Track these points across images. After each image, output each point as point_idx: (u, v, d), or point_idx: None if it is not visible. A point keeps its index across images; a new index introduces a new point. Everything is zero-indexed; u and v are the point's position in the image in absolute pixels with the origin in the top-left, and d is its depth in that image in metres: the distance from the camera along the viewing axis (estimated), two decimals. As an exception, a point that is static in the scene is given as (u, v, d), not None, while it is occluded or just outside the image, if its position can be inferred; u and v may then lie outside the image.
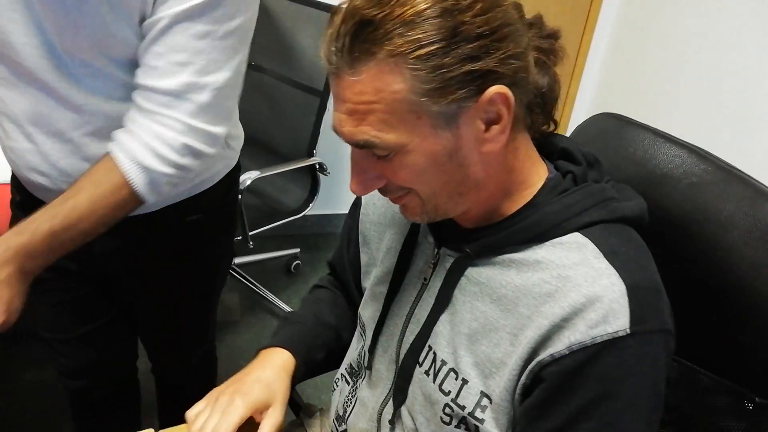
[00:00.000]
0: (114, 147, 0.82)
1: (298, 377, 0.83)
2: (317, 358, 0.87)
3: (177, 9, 0.76)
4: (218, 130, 0.85)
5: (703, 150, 0.70)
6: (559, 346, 0.57)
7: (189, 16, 0.77)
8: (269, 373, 0.79)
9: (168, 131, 0.81)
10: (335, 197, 2.45)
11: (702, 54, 2.10)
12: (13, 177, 1.03)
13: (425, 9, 0.53)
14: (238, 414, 0.73)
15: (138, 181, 0.81)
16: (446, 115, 0.57)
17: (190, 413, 0.76)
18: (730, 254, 0.62)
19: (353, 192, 0.65)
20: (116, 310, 1.16)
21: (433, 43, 0.53)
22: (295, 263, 2.45)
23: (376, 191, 0.65)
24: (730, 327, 0.65)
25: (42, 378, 1.74)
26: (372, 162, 0.61)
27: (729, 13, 1.99)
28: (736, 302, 0.63)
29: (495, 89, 0.56)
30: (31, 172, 0.92)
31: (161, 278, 1.09)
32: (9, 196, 1.07)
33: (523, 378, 0.60)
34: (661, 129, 0.75)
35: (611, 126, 0.80)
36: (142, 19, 0.78)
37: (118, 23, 0.78)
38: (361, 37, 0.54)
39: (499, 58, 0.55)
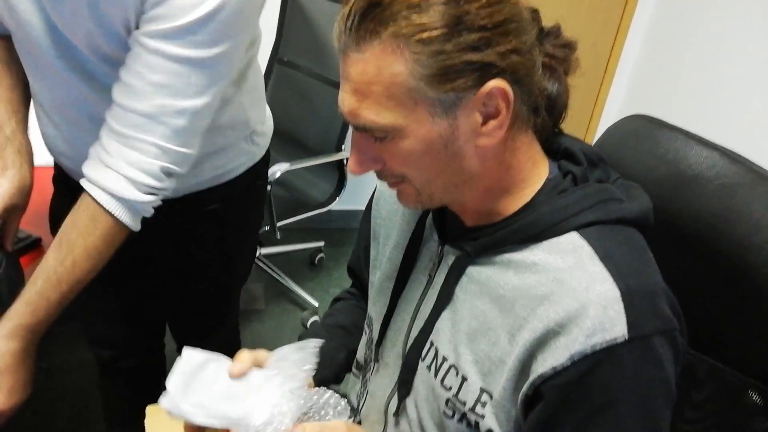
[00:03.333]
0: (91, 188, 0.82)
1: (319, 380, 0.84)
2: (338, 358, 0.90)
3: (155, 28, 0.76)
4: (191, 151, 0.85)
5: (734, 152, 0.70)
6: (559, 357, 0.57)
7: (167, 36, 0.76)
8: None
9: (144, 157, 0.80)
10: (361, 193, 2.45)
11: (733, 57, 2.08)
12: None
13: None
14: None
15: (124, 216, 0.83)
16: (444, 103, 0.57)
17: None
18: (760, 255, 0.63)
19: (351, 171, 0.66)
20: (148, 288, 1.19)
21: (436, 28, 0.54)
22: (319, 256, 2.48)
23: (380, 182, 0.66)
24: (759, 326, 0.65)
25: (73, 359, 1.79)
26: (370, 143, 0.62)
27: (762, 16, 1.97)
28: (766, 302, 0.63)
29: (494, 83, 0.57)
30: (59, 155, 0.98)
31: (181, 263, 1.11)
32: (50, 176, 1.12)
33: (524, 388, 0.60)
34: (692, 131, 0.76)
35: (643, 127, 0.81)
36: (127, 29, 0.78)
37: (102, 27, 0.78)
38: (369, 17, 0.56)
39: (500, 51, 0.56)
